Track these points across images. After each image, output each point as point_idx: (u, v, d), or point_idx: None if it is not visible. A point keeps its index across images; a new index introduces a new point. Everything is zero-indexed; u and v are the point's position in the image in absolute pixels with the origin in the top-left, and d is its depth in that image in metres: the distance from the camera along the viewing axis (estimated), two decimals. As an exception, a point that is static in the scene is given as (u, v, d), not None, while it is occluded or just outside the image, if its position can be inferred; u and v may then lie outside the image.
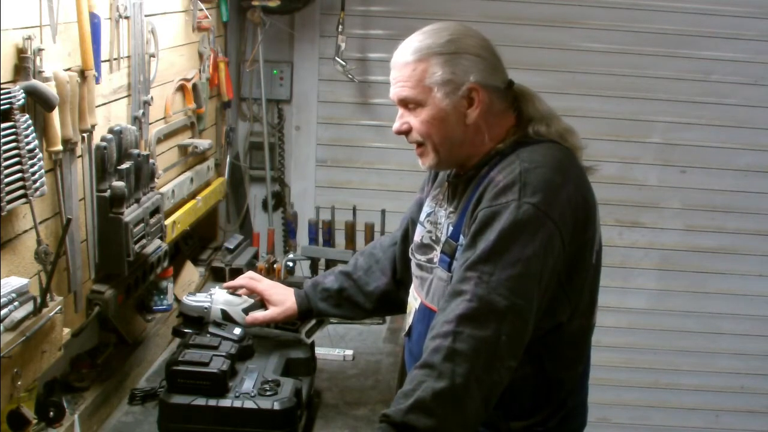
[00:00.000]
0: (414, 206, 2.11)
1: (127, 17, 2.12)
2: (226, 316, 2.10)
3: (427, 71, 1.75)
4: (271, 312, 2.12)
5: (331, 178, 3.62)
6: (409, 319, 1.96)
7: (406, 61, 1.77)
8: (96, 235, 1.98)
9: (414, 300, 1.94)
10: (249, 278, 2.18)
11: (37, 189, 1.63)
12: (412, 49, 1.77)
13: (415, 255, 1.94)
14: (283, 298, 2.13)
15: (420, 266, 1.91)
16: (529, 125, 1.83)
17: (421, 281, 1.91)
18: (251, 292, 2.15)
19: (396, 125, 1.83)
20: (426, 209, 1.97)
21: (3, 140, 1.53)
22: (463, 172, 1.86)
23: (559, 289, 1.73)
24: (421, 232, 1.94)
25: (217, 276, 2.91)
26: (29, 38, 1.63)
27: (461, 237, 1.77)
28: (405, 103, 1.80)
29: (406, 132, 1.82)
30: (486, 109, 1.78)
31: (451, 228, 1.83)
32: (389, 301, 2.14)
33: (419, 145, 1.82)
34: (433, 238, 1.89)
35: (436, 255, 1.87)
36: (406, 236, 2.10)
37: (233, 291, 2.17)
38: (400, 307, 2.10)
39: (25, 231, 1.68)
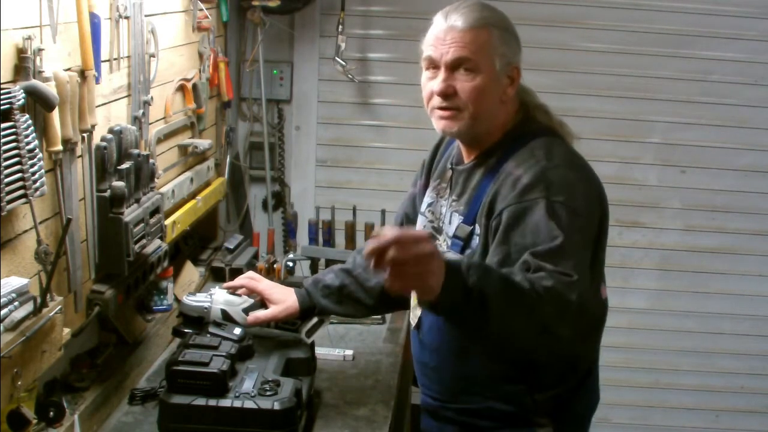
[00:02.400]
0: (407, 201, 2.13)
1: (127, 17, 2.12)
2: (226, 316, 2.09)
3: (491, 41, 1.81)
4: (272, 310, 2.12)
5: (331, 178, 3.62)
6: (418, 311, 1.98)
7: (470, 26, 1.80)
8: (96, 235, 1.98)
9: None
10: (248, 278, 2.18)
11: (37, 189, 1.63)
12: (474, 17, 1.81)
13: None
14: (283, 297, 2.13)
15: None
16: (531, 110, 1.92)
17: None
18: (251, 292, 2.15)
19: (440, 86, 1.81)
20: (427, 199, 2.00)
21: (3, 140, 1.53)
22: (468, 158, 1.90)
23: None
24: (422, 222, 1.98)
25: (217, 276, 2.90)
26: (29, 38, 1.63)
27: (476, 226, 1.82)
28: (458, 64, 1.80)
29: (451, 94, 1.82)
30: (516, 88, 1.87)
31: (458, 216, 1.86)
32: (390, 296, 2.13)
33: (454, 109, 1.83)
34: (435, 227, 1.93)
35: (439, 244, 1.89)
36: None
37: (233, 291, 2.16)
38: (401, 303, 2.09)
39: (25, 231, 1.68)
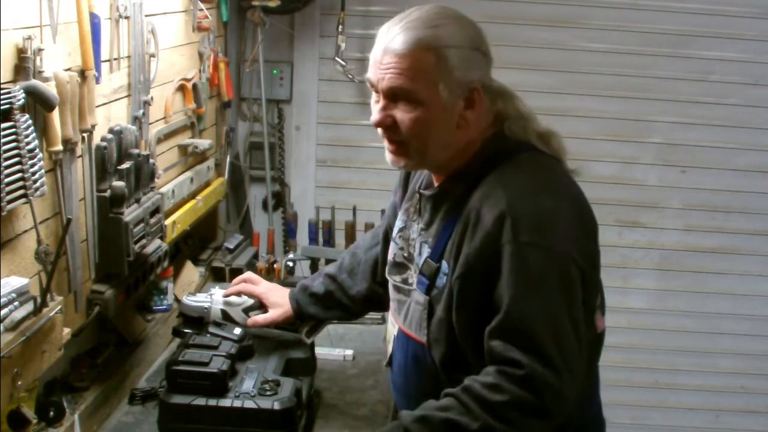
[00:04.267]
0: (390, 210, 2.01)
1: (127, 17, 2.12)
2: (226, 316, 2.10)
3: (435, 65, 1.56)
4: (271, 315, 2.11)
5: (331, 178, 3.62)
6: (389, 346, 1.86)
7: (409, 48, 1.56)
8: (96, 235, 1.98)
9: (392, 326, 1.84)
10: (246, 281, 2.18)
11: (37, 189, 1.63)
12: (415, 37, 1.56)
13: (391, 276, 1.82)
14: (281, 300, 2.12)
15: (398, 288, 1.80)
16: (504, 122, 1.68)
17: (399, 305, 1.80)
18: (249, 295, 2.15)
19: (377, 117, 1.61)
20: (398, 223, 1.83)
21: (3, 140, 1.53)
22: (437, 183, 1.73)
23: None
24: (394, 250, 1.81)
25: (217, 276, 2.91)
26: (29, 38, 1.63)
27: (444, 264, 1.64)
28: (395, 93, 1.59)
29: (389, 125, 1.61)
30: (480, 110, 1.63)
31: (426, 248, 1.70)
32: (373, 301, 2.09)
33: (398, 142, 1.63)
34: (406, 255, 1.78)
35: (410, 275, 1.76)
36: (386, 237, 2.01)
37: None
38: (386, 306, 1.98)
39: (25, 231, 1.68)
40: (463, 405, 1.52)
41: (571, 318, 1.54)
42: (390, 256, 1.84)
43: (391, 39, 1.58)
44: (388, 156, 1.67)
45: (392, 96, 1.60)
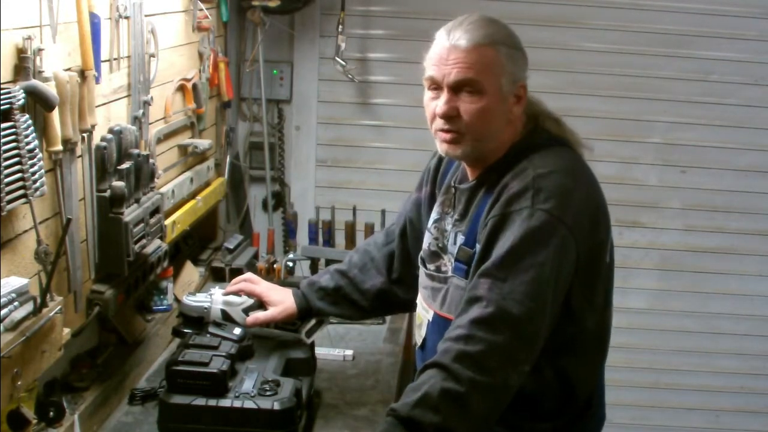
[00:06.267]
0: (411, 205, 2.08)
1: (127, 17, 2.12)
2: (226, 316, 2.09)
3: (497, 60, 1.73)
4: (271, 312, 2.11)
5: (331, 178, 3.62)
6: (422, 331, 1.93)
7: (475, 44, 1.71)
8: (96, 235, 1.98)
9: (425, 312, 1.91)
10: (246, 281, 2.18)
11: (37, 189, 1.63)
12: (479, 35, 1.72)
13: (425, 264, 1.92)
14: (281, 298, 2.12)
15: (431, 276, 1.89)
16: (538, 120, 1.84)
17: (433, 291, 1.88)
18: (250, 294, 2.15)
19: (443, 108, 1.74)
20: (434, 215, 1.95)
21: (3, 140, 1.53)
22: (472, 177, 1.85)
23: (577, 290, 1.72)
24: (429, 240, 1.93)
25: (217, 276, 2.90)
26: (29, 38, 1.63)
27: (477, 245, 1.75)
28: (462, 85, 1.73)
29: (454, 116, 1.75)
30: (523, 107, 1.80)
31: (461, 236, 1.81)
32: (386, 299, 2.13)
33: (457, 132, 1.76)
34: (440, 245, 1.88)
35: (443, 264, 1.86)
36: (404, 233, 2.09)
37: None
38: (399, 306, 2.09)
39: (25, 231, 1.68)
40: (445, 370, 1.61)
41: (555, 282, 1.66)
42: (425, 245, 1.95)
43: (456, 39, 1.74)
44: (443, 146, 1.80)
45: (457, 88, 1.74)
